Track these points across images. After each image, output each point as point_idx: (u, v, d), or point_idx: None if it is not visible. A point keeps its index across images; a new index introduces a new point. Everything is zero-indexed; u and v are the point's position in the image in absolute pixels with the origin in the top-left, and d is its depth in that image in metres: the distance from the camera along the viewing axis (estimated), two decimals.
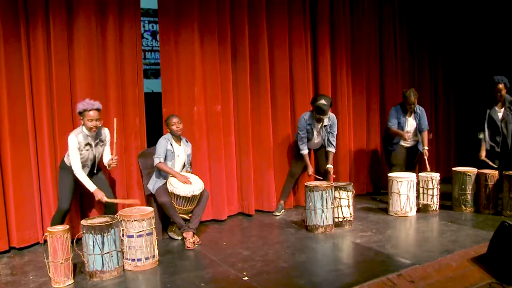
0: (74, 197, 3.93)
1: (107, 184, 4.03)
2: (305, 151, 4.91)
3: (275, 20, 5.19)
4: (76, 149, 3.70)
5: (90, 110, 3.67)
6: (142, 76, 4.60)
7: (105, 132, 3.95)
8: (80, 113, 3.70)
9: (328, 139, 4.97)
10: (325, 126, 4.92)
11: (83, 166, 3.81)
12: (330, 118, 4.93)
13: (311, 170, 4.95)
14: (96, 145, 3.84)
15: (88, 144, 3.77)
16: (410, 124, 5.32)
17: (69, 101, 4.20)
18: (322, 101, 4.71)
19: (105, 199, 3.77)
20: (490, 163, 5.12)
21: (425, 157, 5.24)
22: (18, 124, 4.00)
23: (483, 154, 5.17)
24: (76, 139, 3.70)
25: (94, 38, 4.27)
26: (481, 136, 5.22)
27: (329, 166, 4.92)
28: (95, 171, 3.96)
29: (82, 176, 3.74)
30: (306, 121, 4.87)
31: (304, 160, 4.94)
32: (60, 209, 3.84)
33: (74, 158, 3.71)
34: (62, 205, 3.83)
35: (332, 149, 4.98)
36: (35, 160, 4.07)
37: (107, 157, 3.95)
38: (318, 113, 4.74)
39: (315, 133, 4.91)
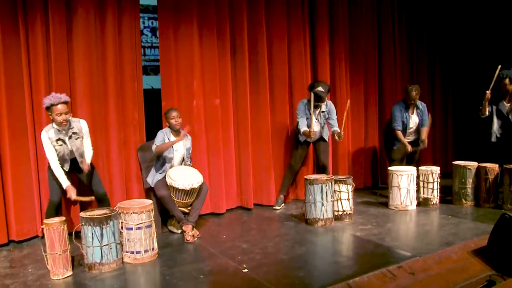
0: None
1: (98, 179, 4.00)
2: (305, 128, 4.78)
3: (273, 15, 5.18)
4: (48, 144, 3.64)
5: (58, 104, 3.56)
6: (141, 70, 4.59)
7: (81, 124, 3.83)
8: (48, 108, 3.59)
9: (330, 124, 4.96)
10: (322, 112, 4.91)
11: (64, 162, 3.74)
12: (327, 105, 4.92)
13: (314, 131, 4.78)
14: (70, 138, 3.75)
15: (59, 139, 3.68)
16: (413, 121, 5.31)
17: (67, 94, 4.13)
18: (320, 88, 4.71)
19: (74, 197, 3.67)
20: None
21: (423, 146, 5.30)
22: (17, 118, 3.99)
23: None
24: (47, 134, 3.64)
25: (93, 32, 4.25)
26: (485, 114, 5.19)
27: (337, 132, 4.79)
28: (80, 166, 3.83)
29: (57, 170, 3.68)
30: (305, 105, 4.87)
31: (306, 134, 4.75)
32: (51, 201, 3.81)
33: (48, 154, 3.66)
34: (53, 197, 3.79)
35: (337, 129, 4.86)
36: (34, 154, 4.07)
37: (88, 150, 3.87)
38: (316, 100, 4.73)
39: (313, 119, 4.88)
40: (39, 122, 4.08)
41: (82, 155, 3.83)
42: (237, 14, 4.95)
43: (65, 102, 3.61)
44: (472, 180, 4.91)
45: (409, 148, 5.22)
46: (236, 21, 4.96)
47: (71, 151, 3.77)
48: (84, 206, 4.25)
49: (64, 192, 3.76)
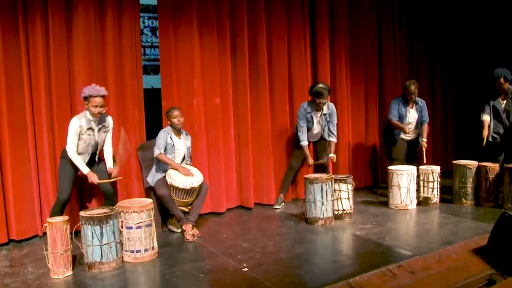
0: (73, 188, 3.91)
1: (106, 175, 3.99)
2: (304, 142, 4.88)
3: (273, 14, 5.18)
4: (74, 132, 3.69)
5: (96, 96, 3.66)
6: (141, 69, 4.59)
7: (109, 119, 3.96)
8: (86, 98, 3.70)
9: (329, 129, 4.95)
10: (324, 114, 4.91)
11: (83, 153, 3.79)
12: (329, 107, 4.92)
13: (311, 160, 4.92)
14: (99, 130, 3.84)
15: (90, 128, 3.77)
16: (412, 115, 5.30)
17: (67, 94, 4.19)
18: (320, 85, 4.75)
19: (97, 181, 3.75)
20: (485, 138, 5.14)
21: (423, 149, 5.24)
22: (17, 117, 3.98)
23: (485, 133, 5.13)
24: (79, 122, 3.71)
25: (93, 31, 4.25)
26: (484, 117, 5.16)
27: (332, 155, 4.89)
28: (96, 159, 3.94)
29: (75, 157, 3.73)
30: (305, 109, 4.86)
31: (304, 151, 4.91)
32: (60, 199, 3.82)
33: (71, 140, 3.71)
34: (62, 195, 3.81)
35: (333, 139, 4.96)
36: (34, 153, 4.06)
37: (108, 146, 3.97)
38: (317, 96, 4.73)
39: (315, 122, 4.90)
40: (39, 122, 4.08)
41: (100, 152, 3.94)
42: (237, 13, 4.95)
43: (103, 96, 3.71)
44: (472, 179, 4.91)
45: (407, 129, 5.22)
46: (236, 20, 4.96)
47: (96, 143, 3.86)
48: (84, 205, 4.27)
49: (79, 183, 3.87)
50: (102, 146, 3.98)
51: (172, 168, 4.11)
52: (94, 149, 3.90)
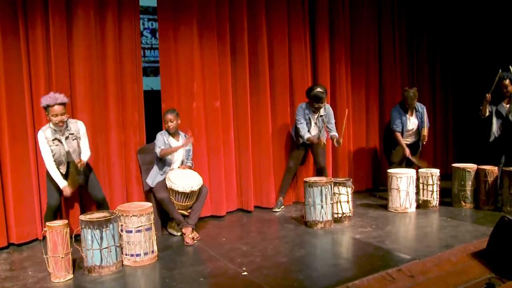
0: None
1: (97, 183, 4.00)
2: (308, 134, 4.82)
3: (274, 16, 5.18)
4: (44, 144, 3.64)
5: (54, 105, 3.56)
6: (141, 72, 4.59)
7: (78, 125, 3.82)
8: (45, 108, 3.61)
9: (328, 127, 4.98)
10: (321, 116, 4.93)
11: (60, 163, 3.73)
12: (325, 109, 4.95)
13: (323, 139, 4.85)
14: (66, 138, 3.73)
15: (56, 139, 3.68)
16: (412, 122, 5.30)
17: (68, 96, 4.17)
18: (319, 89, 4.75)
19: (69, 193, 3.68)
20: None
21: (423, 142, 5.31)
22: (17, 120, 3.99)
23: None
24: (43, 134, 3.64)
25: (93, 34, 4.25)
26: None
27: (337, 139, 4.87)
28: (80, 169, 3.80)
29: (52, 169, 3.67)
30: (304, 110, 4.88)
31: (310, 140, 4.82)
32: (49, 205, 3.80)
33: (44, 153, 3.65)
34: (51, 201, 3.78)
35: (335, 133, 4.95)
36: (34, 156, 4.06)
37: (85, 152, 3.85)
38: (316, 101, 4.75)
39: (312, 123, 4.90)
40: (39, 124, 4.06)
41: (79, 157, 3.82)
42: (237, 15, 4.95)
43: (61, 104, 3.60)
44: (471, 182, 4.91)
45: (407, 152, 5.21)
46: (236, 22, 4.96)
47: (68, 152, 3.75)
48: (84, 209, 4.26)
49: (62, 194, 3.76)
50: (80, 153, 3.84)
51: (175, 151, 4.15)
52: (69, 158, 3.77)
